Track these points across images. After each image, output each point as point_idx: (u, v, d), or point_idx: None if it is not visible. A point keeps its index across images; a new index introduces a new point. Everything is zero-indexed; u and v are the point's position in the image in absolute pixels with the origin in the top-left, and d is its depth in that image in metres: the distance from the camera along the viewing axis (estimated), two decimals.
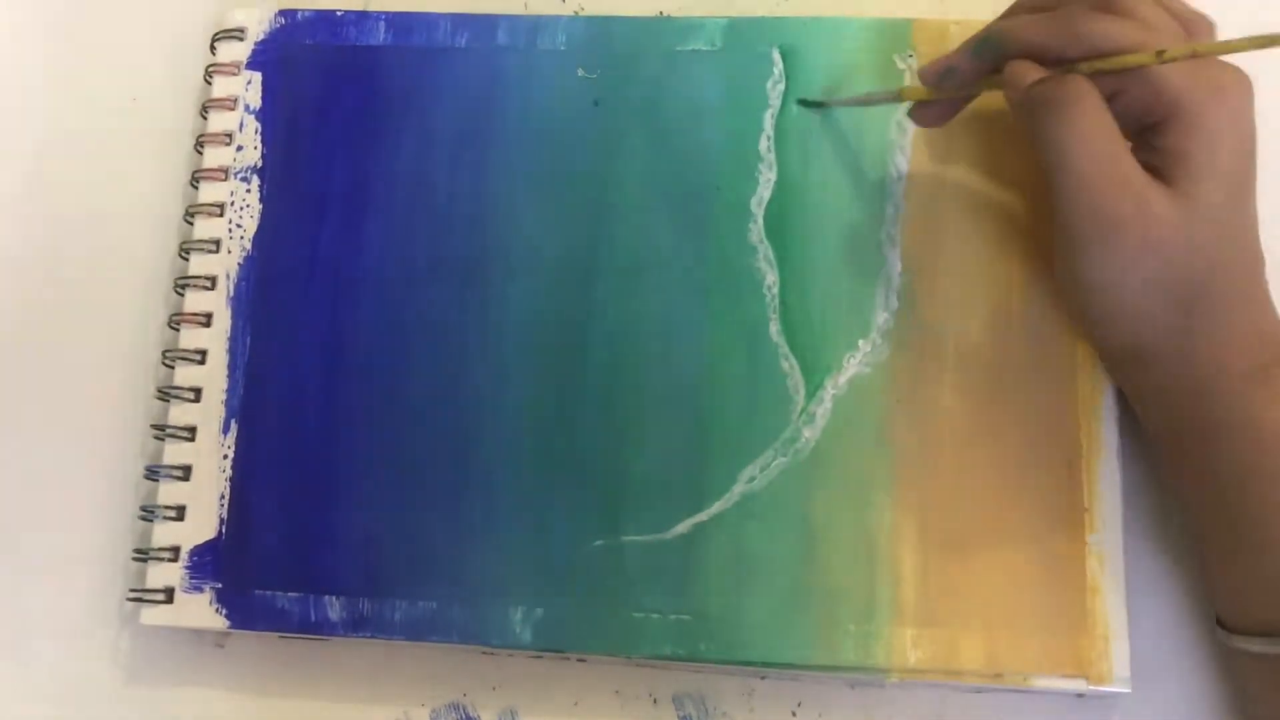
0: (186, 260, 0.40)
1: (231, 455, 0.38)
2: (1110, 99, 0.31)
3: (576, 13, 0.42)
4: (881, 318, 0.37)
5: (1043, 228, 0.36)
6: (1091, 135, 0.31)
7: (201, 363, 0.39)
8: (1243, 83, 0.32)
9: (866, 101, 0.37)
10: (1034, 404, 0.35)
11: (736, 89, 0.39)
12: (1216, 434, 0.32)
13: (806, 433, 0.36)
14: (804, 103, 0.38)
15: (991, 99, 0.34)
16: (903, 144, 0.38)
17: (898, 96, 0.36)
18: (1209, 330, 0.32)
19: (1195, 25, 0.33)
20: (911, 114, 0.36)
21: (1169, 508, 0.36)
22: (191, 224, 0.40)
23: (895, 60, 0.39)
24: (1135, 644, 0.34)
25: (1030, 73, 0.32)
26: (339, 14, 0.41)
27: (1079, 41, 0.31)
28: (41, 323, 0.41)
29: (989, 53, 0.33)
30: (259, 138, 0.40)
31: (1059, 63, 0.32)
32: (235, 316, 0.39)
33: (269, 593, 0.36)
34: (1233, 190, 0.31)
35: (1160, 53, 0.30)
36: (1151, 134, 0.32)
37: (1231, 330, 0.32)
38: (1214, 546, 0.33)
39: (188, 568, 0.37)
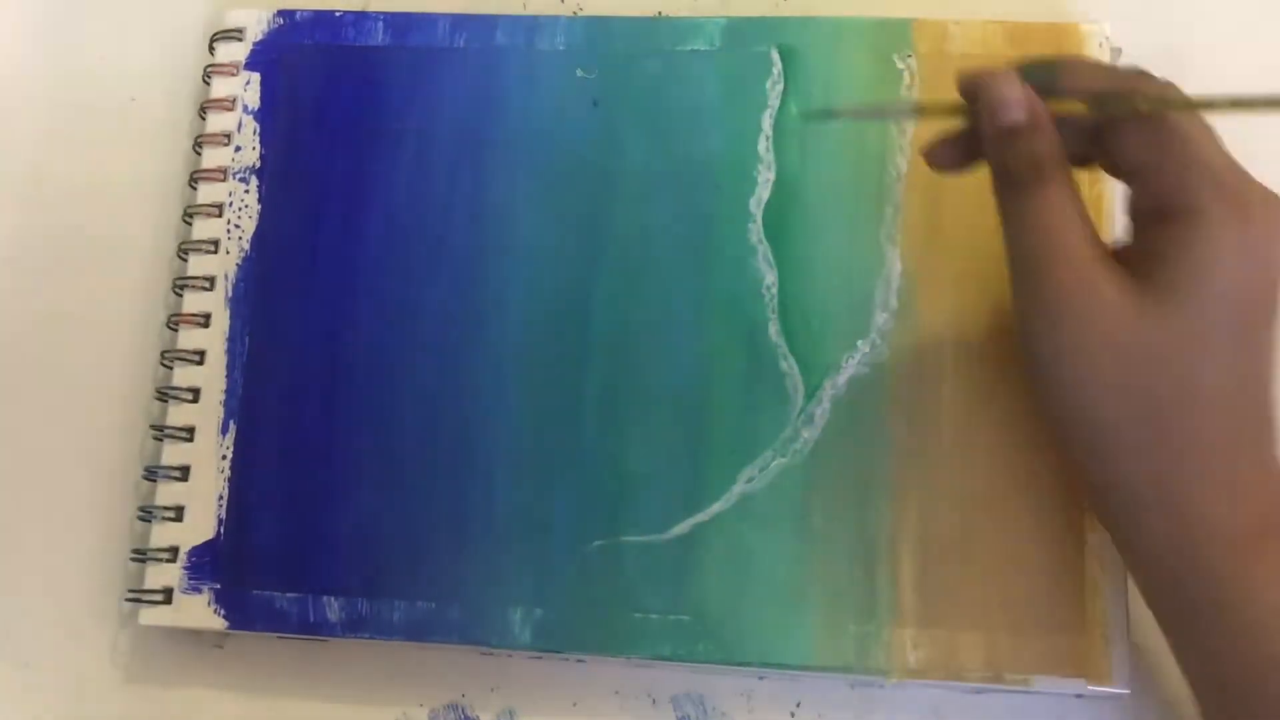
0: (185, 261, 0.40)
1: (230, 456, 0.38)
2: (1130, 175, 0.30)
3: (575, 13, 0.42)
4: (881, 318, 0.37)
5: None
6: (1054, 219, 0.29)
7: (200, 363, 0.39)
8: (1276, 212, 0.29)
9: (878, 113, 0.35)
10: (1035, 403, 0.35)
11: (735, 89, 0.39)
12: (1205, 608, 0.29)
13: (806, 433, 0.36)
14: (808, 115, 0.38)
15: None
16: (902, 144, 0.38)
17: (917, 110, 0.34)
18: (1199, 477, 0.28)
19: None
20: (925, 154, 0.32)
21: None
22: (190, 224, 0.40)
23: (895, 60, 0.38)
24: (1135, 644, 0.34)
25: (1013, 103, 0.29)
26: (338, 14, 0.41)
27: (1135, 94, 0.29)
28: (40, 323, 0.41)
29: (1040, 79, 0.30)
30: (257, 138, 0.40)
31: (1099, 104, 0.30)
32: (234, 317, 0.39)
33: (267, 593, 0.36)
34: (1231, 319, 0.28)
35: (1199, 101, 0.28)
36: (1156, 228, 0.29)
37: (1228, 482, 0.28)
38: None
39: (186, 568, 0.37)
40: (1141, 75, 0.30)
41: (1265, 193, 0.29)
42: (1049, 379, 0.30)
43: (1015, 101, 0.29)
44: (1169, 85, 0.29)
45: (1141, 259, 0.29)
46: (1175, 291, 0.28)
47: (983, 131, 0.30)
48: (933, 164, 0.32)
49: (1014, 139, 0.30)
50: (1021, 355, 0.31)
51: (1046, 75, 0.30)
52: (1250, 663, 0.28)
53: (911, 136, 0.38)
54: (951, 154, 0.32)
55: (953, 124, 0.32)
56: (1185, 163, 0.28)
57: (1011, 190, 0.30)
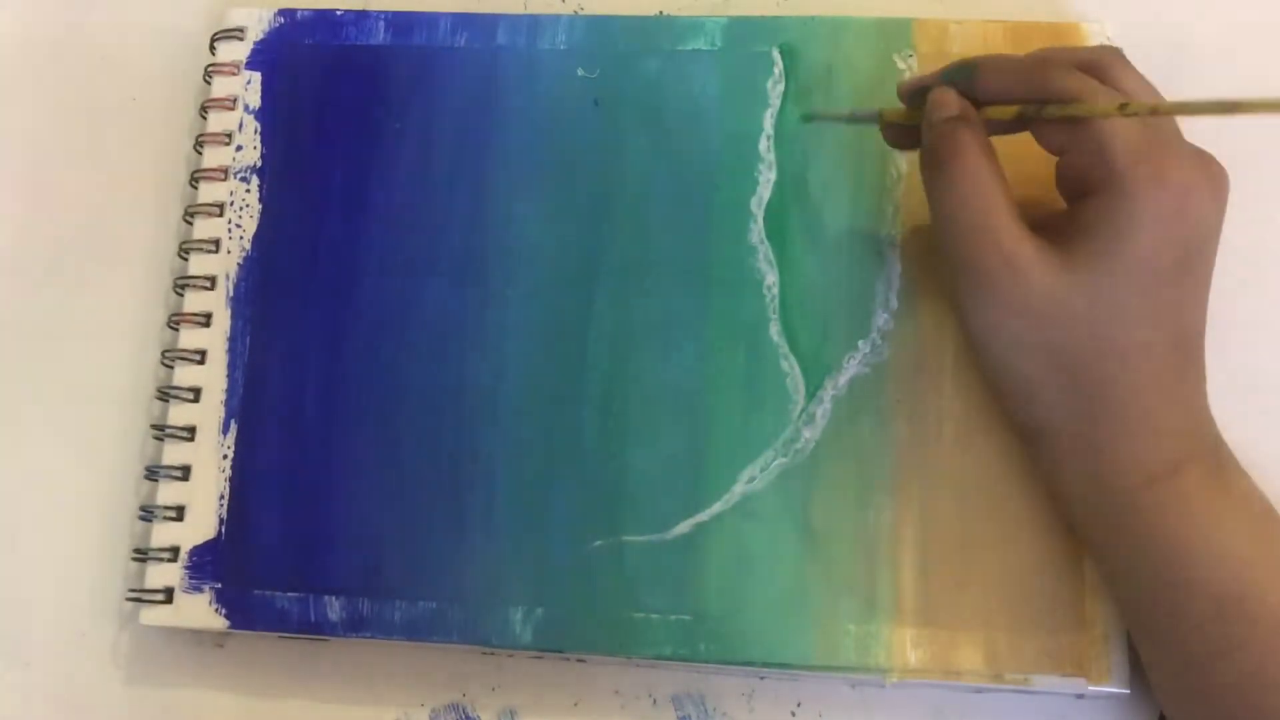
0: (186, 260, 0.40)
1: (231, 455, 0.38)
2: (1060, 160, 0.32)
3: (576, 12, 0.42)
4: (881, 318, 0.37)
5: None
6: (969, 189, 0.31)
7: (201, 363, 0.39)
8: (1201, 178, 0.30)
9: (851, 119, 0.36)
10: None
11: (736, 89, 0.39)
12: (1126, 540, 0.31)
13: (806, 433, 0.36)
14: (805, 117, 0.38)
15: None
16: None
17: (878, 117, 0.35)
18: (1116, 421, 0.31)
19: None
20: (884, 134, 0.35)
21: None
22: (191, 224, 0.40)
23: (895, 60, 0.39)
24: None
25: (947, 104, 0.32)
26: (339, 14, 0.41)
27: (1047, 92, 0.31)
28: (41, 323, 0.41)
29: (961, 79, 0.32)
30: (258, 137, 0.40)
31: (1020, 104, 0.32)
32: (235, 317, 0.39)
33: (268, 593, 0.36)
34: (1152, 282, 0.30)
35: (1123, 105, 0.30)
36: (1082, 201, 0.31)
37: (1142, 424, 0.31)
38: (1145, 653, 0.32)
39: (187, 568, 0.37)
40: (1049, 67, 0.31)
41: (1186, 155, 0.31)
42: (977, 339, 0.33)
43: (949, 103, 0.32)
44: (1081, 79, 0.31)
45: (1069, 229, 0.31)
46: (1092, 259, 0.30)
47: (923, 132, 0.33)
48: (890, 143, 0.35)
49: (939, 125, 0.32)
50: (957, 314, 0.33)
51: (965, 76, 0.32)
52: (1166, 585, 0.30)
53: None
54: (905, 137, 0.35)
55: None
56: (1100, 142, 0.30)
57: (934, 169, 0.32)
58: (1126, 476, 0.31)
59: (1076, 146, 0.31)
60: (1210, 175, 0.31)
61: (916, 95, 0.34)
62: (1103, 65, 0.32)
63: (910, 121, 0.34)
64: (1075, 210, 0.32)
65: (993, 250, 0.31)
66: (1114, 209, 0.30)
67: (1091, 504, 0.32)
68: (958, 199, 0.31)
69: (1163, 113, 0.30)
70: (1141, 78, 0.32)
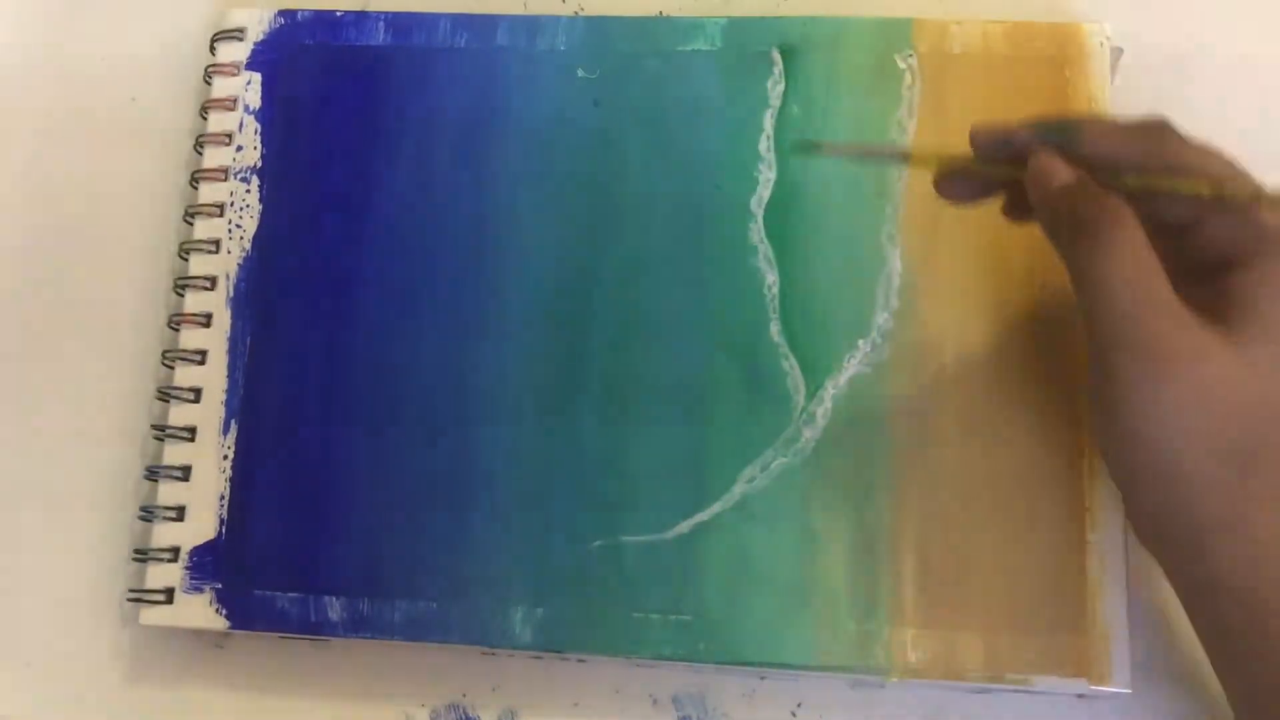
0: (186, 260, 0.40)
1: (231, 455, 0.38)
2: (1186, 229, 0.30)
3: (576, 13, 0.42)
4: (881, 318, 0.37)
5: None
6: (1133, 263, 0.28)
7: (201, 363, 0.39)
8: None
9: (865, 153, 0.35)
10: (1034, 404, 0.35)
11: (736, 89, 0.39)
12: (1269, 640, 0.28)
13: (807, 433, 0.36)
14: (798, 146, 0.38)
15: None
16: (903, 144, 0.38)
17: (905, 157, 0.34)
18: (1273, 496, 0.28)
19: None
20: (938, 186, 0.32)
21: None
22: (191, 224, 0.40)
23: (896, 60, 0.38)
24: (1135, 644, 0.34)
25: (1059, 171, 0.29)
26: (338, 14, 0.41)
27: (1162, 161, 0.29)
28: (41, 323, 0.41)
29: (1060, 138, 0.30)
30: (259, 138, 0.40)
31: (1115, 173, 0.29)
32: (235, 317, 0.39)
33: (269, 593, 0.36)
34: None
35: (1222, 185, 0.28)
36: (1219, 273, 0.29)
37: None
38: None
39: (187, 568, 0.37)
40: (1163, 134, 0.29)
41: None
42: (1140, 435, 0.29)
43: (1059, 167, 0.30)
44: (1202, 152, 0.29)
45: (1220, 304, 0.29)
46: (1258, 333, 0.28)
47: (1033, 199, 0.30)
48: (944, 196, 0.33)
49: (1068, 192, 0.29)
50: (1100, 417, 0.30)
51: (1063, 137, 0.30)
52: None
53: (912, 137, 0.38)
54: (964, 189, 0.32)
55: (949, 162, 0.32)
56: (1237, 216, 0.29)
57: (1082, 239, 0.29)
58: None
59: (1209, 220, 0.29)
60: None
61: (996, 146, 0.31)
62: (1162, 138, 0.30)
63: (973, 174, 0.32)
64: (1225, 284, 0.29)
65: (1177, 327, 0.28)
66: (1261, 280, 0.28)
67: (1230, 587, 0.29)
68: (1124, 274, 0.28)
69: (1265, 199, 0.28)
70: (1197, 148, 0.30)
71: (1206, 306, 0.29)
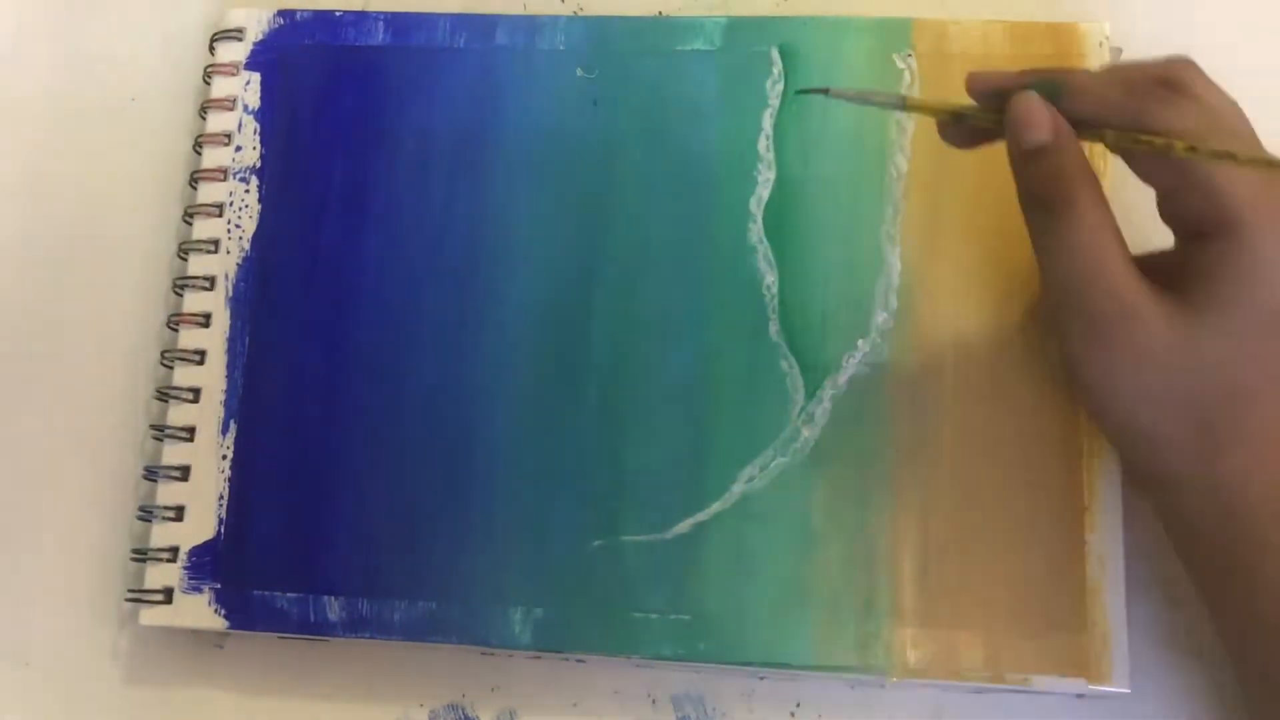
0: (185, 261, 0.40)
1: (230, 455, 0.38)
2: (1165, 196, 0.30)
3: (576, 13, 0.42)
4: (881, 318, 0.37)
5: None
6: (1090, 230, 0.30)
7: (200, 363, 0.39)
8: None
9: (866, 99, 0.36)
10: (1034, 404, 0.35)
11: (736, 89, 0.39)
12: (1248, 583, 0.30)
13: (806, 432, 0.36)
14: (803, 91, 0.38)
15: None
16: (902, 143, 0.38)
17: (901, 103, 0.34)
18: (1241, 463, 0.29)
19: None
20: (941, 131, 0.33)
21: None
22: (190, 224, 0.40)
23: (895, 60, 0.38)
24: (1135, 644, 0.34)
25: (1035, 125, 0.30)
26: (338, 14, 0.41)
27: (1143, 122, 0.29)
28: (40, 323, 0.41)
29: (1050, 94, 0.30)
30: (258, 138, 0.40)
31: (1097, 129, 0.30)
32: (234, 317, 0.39)
33: (268, 593, 0.36)
34: (1274, 324, 0.29)
35: (1190, 147, 0.28)
36: (1197, 243, 0.30)
37: (1270, 464, 0.29)
38: (1255, 701, 0.31)
39: (186, 568, 0.37)
40: (1144, 94, 0.30)
41: None
42: (1095, 392, 0.31)
43: (1039, 123, 0.30)
44: (1182, 112, 0.29)
45: (1184, 272, 0.30)
46: (1217, 306, 0.29)
47: (1009, 150, 0.31)
48: (946, 140, 0.33)
49: (1040, 158, 0.30)
50: (1064, 369, 0.32)
51: (1047, 94, 0.30)
52: None
53: (912, 136, 0.38)
54: (961, 135, 0.33)
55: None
56: (1212, 183, 0.29)
57: (1042, 212, 0.31)
58: (1260, 514, 0.29)
59: (1183, 184, 0.29)
60: None
61: (991, 96, 0.31)
62: (1183, 82, 0.30)
63: (976, 120, 0.32)
64: (1190, 253, 0.30)
65: (1113, 302, 0.29)
66: (1235, 254, 0.29)
67: (1220, 547, 0.30)
68: (1072, 248, 0.30)
69: (1237, 159, 0.28)
70: (1221, 92, 0.30)
71: (1170, 277, 0.30)
